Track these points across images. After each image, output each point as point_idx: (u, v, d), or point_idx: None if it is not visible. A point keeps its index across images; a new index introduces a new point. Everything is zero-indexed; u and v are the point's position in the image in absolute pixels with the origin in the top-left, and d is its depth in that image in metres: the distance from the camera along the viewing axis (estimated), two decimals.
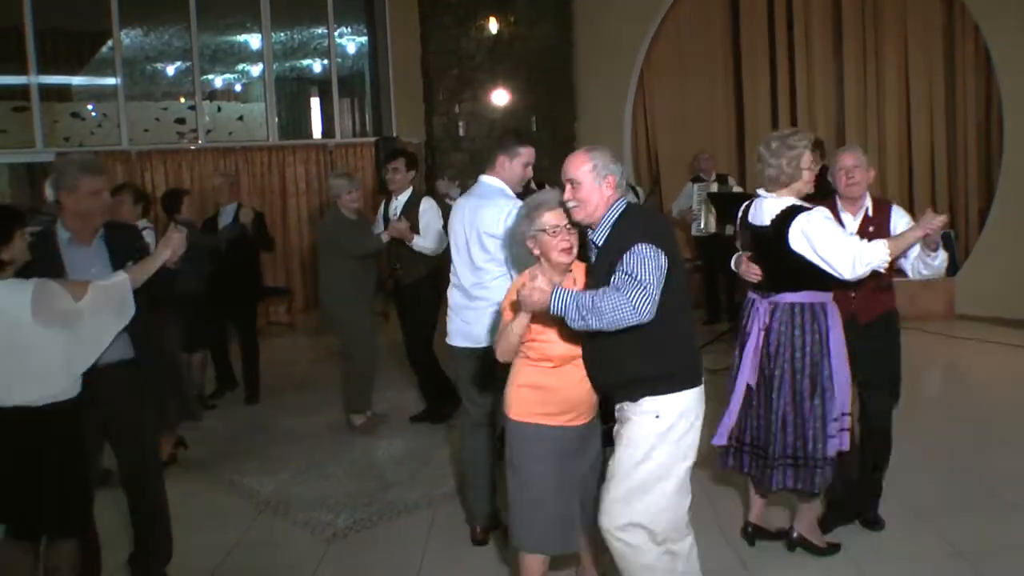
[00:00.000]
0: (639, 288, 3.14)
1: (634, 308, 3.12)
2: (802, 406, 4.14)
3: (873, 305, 4.46)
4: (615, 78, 12.80)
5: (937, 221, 4.02)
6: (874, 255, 3.95)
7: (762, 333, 4.22)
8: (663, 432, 3.35)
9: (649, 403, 3.35)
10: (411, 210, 6.69)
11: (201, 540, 5.04)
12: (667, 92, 12.90)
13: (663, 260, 3.21)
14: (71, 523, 3.80)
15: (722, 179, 10.51)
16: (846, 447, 4.20)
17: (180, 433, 6.39)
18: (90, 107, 13.32)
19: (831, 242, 3.96)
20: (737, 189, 10.41)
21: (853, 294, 4.31)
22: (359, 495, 5.60)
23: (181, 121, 13.29)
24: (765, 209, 4.15)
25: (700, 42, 12.51)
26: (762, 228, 4.14)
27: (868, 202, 4.57)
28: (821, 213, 4.06)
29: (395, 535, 5.04)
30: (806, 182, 4.13)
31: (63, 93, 13.03)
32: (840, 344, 4.15)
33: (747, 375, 4.30)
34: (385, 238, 6.60)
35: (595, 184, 3.36)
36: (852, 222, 4.51)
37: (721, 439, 4.37)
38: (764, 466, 4.27)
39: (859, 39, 11.05)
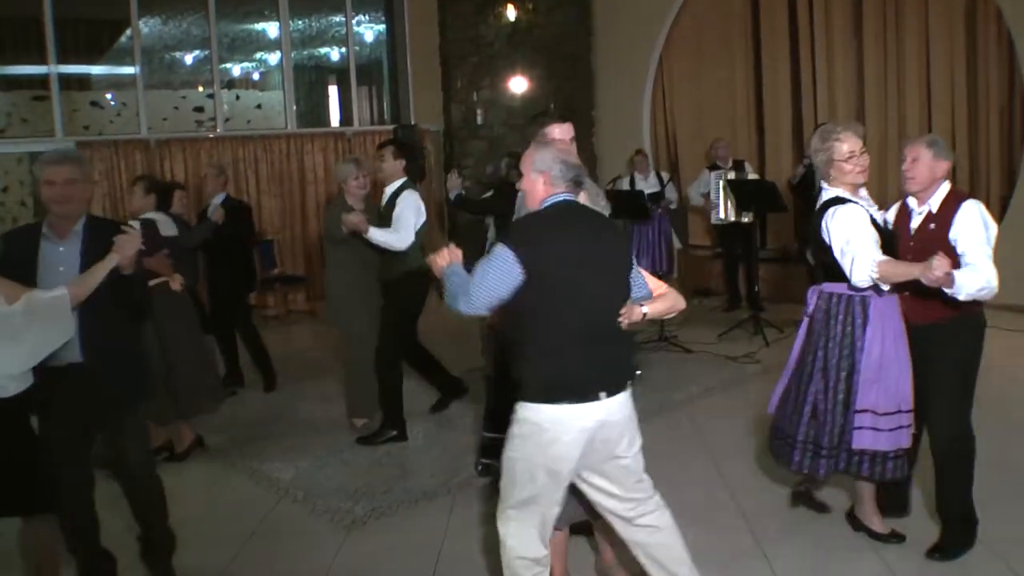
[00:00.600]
0: (471, 281, 3.28)
1: (455, 297, 3.32)
2: (827, 395, 4.21)
3: (926, 308, 4.18)
4: (634, 64, 12.77)
5: (934, 274, 3.72)
6: (861, 271, 3.96)
7: (807, 320, 4.34)
8: (519, 435, 3.37)
9: (518, 405, 3.39)
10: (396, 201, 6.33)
11: (222, 527, 5.07)
12: (686, 78, 12.86)
13: (510, 263, 3.22)
14: (15, 506, 3.84)
15: (739, 166, 10.45)
16: (904, 444, 4.24)
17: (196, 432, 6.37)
18: (109, 96, 13.37)
19: (841, 243, 4.03)
20: (753, 176, 10.35)
21: (907, 292, 4.17)
22: (378, 483, 5.60)
23: (200, 110, 13.32)
24: (820, 199, 4.25)
25: (720, 28, 12.46)
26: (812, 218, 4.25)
27: (938, 196, 4.23)
28: (848, 210, 4.09)
29: (414, 523, 5.06)
30: (846, 172, 4.16)
31: (83, 82, 13.07)
32: (879, 340, 4.13)
33: (791, 359, 4.46)
34: (345, 230, 6.09)
35: (531, 178, 3.44)
36: (917, 217, 4.30)
37: (770, 408, 4.53)
38: (785, 446, 4.36)
39: (880, 24, 10.95)
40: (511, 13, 12.59)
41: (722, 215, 10.04)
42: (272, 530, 5.06)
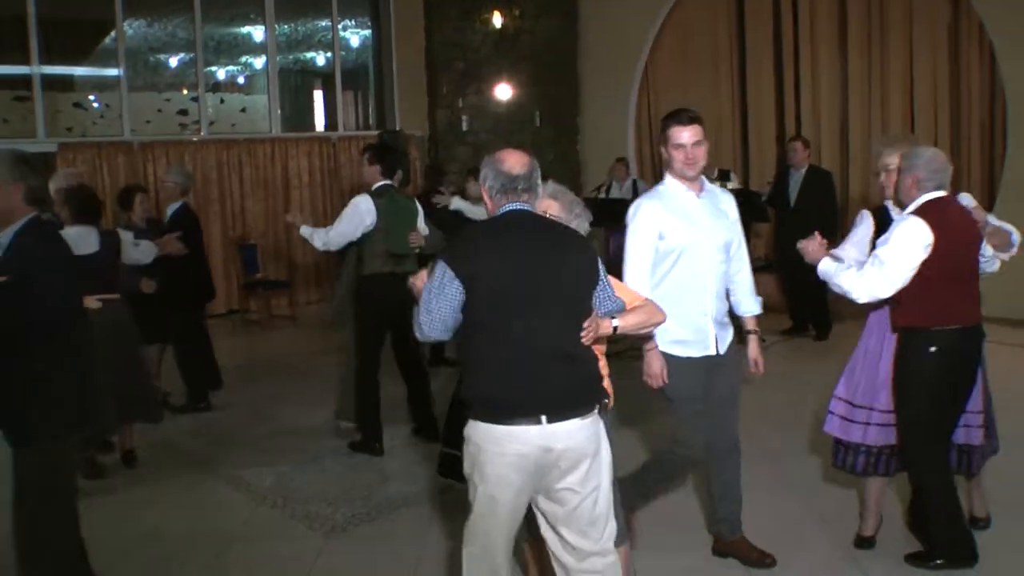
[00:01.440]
0: (419, 305, 3.15)
1: (416, 322, 3.16)
2: None
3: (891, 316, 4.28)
4: (620, 72, 12.79)
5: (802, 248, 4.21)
6: None
7: None
8: (466, 454, 3.21)
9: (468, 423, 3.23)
10: None
11: (199, 532, 5.04)
12: (672, 87, 12.88)
13: (445, 278, 3.06)
14: None
15: (724, 175, 10.44)
16: (876, 442, 4.36)
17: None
18: (92, 98, 13.30)
19: None
20: (730, 186, 10.28)
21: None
22: (358, 489, 5.58)
23: (184, 112, 13.27)
24: None
25: (705, 37, 12.50)
26: None
27: (908, 211, 4.21)
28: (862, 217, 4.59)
29: (393, 529, 5.03)
30: (880, 185, 4.48)
31: (66, 83, 13.00)
32: (873, 333, 4.39)
33: None
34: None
35: (482, 190, 3.30)
36: None
37: None
38: None
39: (864, 35, 11.01)
40: (497, 20, 12.60)
41: None
42: (250, 536, 5.03)
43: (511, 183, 3.20)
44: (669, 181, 4.18)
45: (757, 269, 11.03)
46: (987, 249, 4.29)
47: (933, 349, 4.05)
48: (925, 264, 4.01)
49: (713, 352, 4.16)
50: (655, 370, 4.06)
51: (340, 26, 13.09)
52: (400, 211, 6.33)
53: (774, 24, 11.84)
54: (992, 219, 4.43)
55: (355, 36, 14.02)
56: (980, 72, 10.17)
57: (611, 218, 9.55)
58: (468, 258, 3.08)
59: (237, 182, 11.85)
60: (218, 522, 5.20)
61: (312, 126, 14.89)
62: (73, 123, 12.79)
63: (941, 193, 4.19)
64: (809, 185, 9.22)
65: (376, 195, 6.24)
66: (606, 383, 3.51)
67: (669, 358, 4.07)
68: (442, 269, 3.08)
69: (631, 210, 4.21)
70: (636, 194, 10.63)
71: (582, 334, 3.11)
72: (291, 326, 11.29)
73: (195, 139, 11.91)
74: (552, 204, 3.53)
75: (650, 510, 4.59)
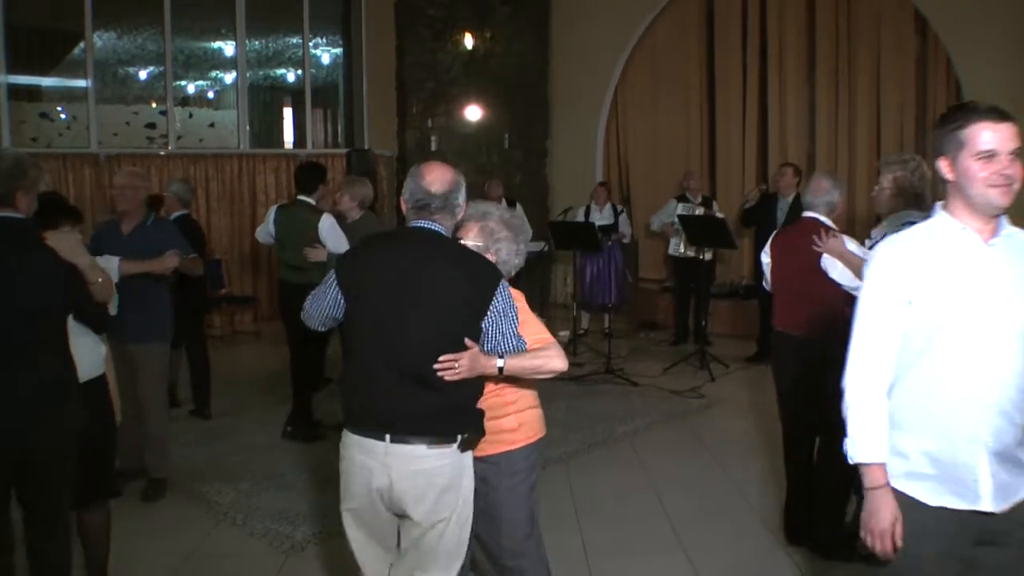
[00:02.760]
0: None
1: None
2: None
3: None
4: (590, 97, 12.88)
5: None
6: None
7: None
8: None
9: None
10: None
11: (156, 549, 4.98)
12: (641, 113, 12.98)
13: (330, 281, 3.22)
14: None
15: (707, 202, 10.40)
16: None
17: None
18: (59, 108, 13.19)
19: None
20: (720, 214, 10.25)
21: None
22: (319, 507, 5.53)
23: (152, 126, 13.19)
24: None
25: (675, 64, 12.59)
26: None
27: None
28: None
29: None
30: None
31: (32, 93, 12.89)
32: None
33: None
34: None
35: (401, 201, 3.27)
36: None
37: None
38: None
39: (832, 66, 11.13)
40: (468, 41, 12.64)
41: (682, 248, 10.02)
42: (209, 554, 4.97)
43: (426, 199, 3.12)
44: (941, 217, 2.64)
45: (724, 296, 11.18)
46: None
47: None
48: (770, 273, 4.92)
49: (984, 507, 2.53)
50: (883, 523, 2.53)
51: (311, 43, 13.08)
52: (296, 225, 6.72)
53: (743, 53, 11.95)
54: (850, 244, 4.50)
55: (326, 54, 14.01)
56: (946, 105, 10.31)
57: (579, 242, 9.58)
58: (350, 269, 3.20)
59: (204, 197, 11.77)
60: (177, 538, 5.14)
61: (281, 143, 14.84)
62: (39, 134, 12.67)
63: (807, 214, 4.80)
64: (797, 213, 9.19)
65: (281, 208, 6.99)
66: (533, 413, 3.43)
67: (898, 497, 2.58)
68: (332, 274, 3.23)
69: (871, 256, 2.75)
70: (617, 221, 10.61)
71: (438, 366, 2.97)
72: (254, 341, 11.21)
73: (163, 153, 11.84)
74: (472, 228, 3.36)
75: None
